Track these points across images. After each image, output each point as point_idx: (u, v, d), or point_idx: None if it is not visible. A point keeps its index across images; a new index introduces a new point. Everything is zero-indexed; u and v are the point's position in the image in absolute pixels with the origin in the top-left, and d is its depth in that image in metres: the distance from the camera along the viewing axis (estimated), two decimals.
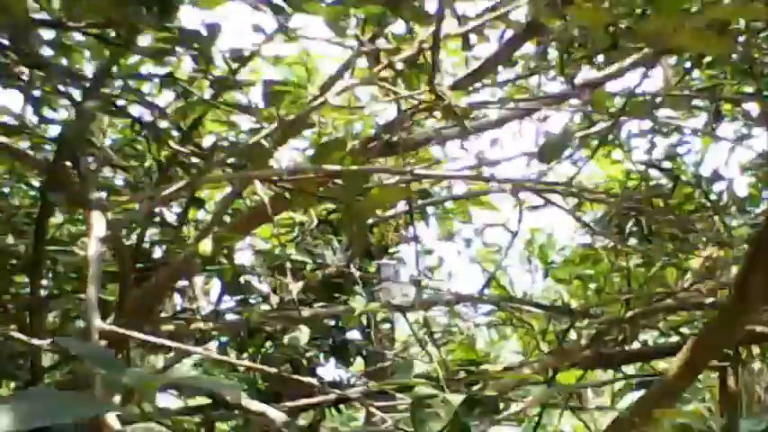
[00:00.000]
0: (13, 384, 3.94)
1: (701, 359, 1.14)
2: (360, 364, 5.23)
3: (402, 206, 4.67)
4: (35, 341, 1.86)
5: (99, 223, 1.63)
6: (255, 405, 2.89)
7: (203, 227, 2.90)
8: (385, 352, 4.70)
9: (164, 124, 2.88)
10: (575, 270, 4.74)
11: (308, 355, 5.08)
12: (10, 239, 3.48)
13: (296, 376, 1.97)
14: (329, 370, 5.72)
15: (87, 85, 2.32)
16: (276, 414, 2.78)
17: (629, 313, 3.15)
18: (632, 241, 5.09)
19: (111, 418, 1.33)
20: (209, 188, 3.97)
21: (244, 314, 3.51)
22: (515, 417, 2.19)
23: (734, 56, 3.35)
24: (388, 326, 4.83)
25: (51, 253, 3.11)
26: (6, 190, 3.60)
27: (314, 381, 2.03)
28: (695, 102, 4.90)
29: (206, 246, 2.25)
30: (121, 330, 1.51)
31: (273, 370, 1.91)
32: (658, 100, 3.23)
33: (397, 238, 4.89)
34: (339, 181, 2.30)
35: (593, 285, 4.55)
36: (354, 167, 1.96)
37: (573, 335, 4.03)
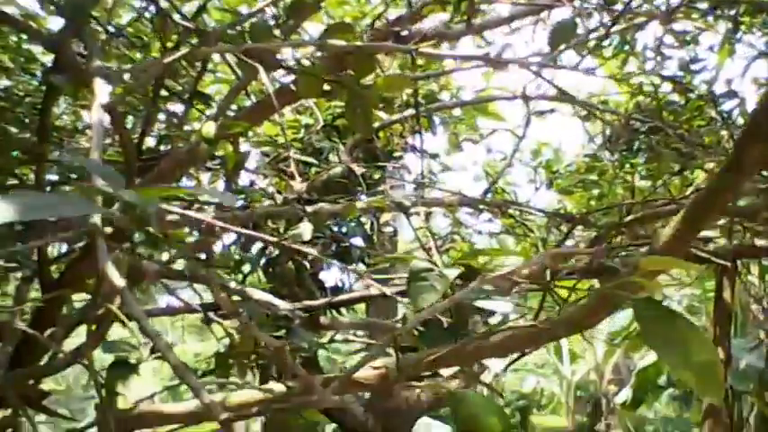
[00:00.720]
0: (19, 274, 4.01)
1: (692, 227, 1.15)
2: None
3: (409, 111, 4.66)
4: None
5: (102, 91, 1.62)
6: (259, 294, 2.96)
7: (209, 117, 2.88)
8: (387, 256, 4.74)
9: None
10: (579, 177, 4.74)
11: (311, 257, 5.14)
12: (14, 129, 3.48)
13: (302, 248, 1.98)
14: (332, 274, 5.81)
15: None
16: (280, 302, 2.85)
17: (629, 217, 3.16)
18: (639, 159, 5.08)
19: (113, 273, 1.34)
20: (213, 83, 3.95)
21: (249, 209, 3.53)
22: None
23: None
24: (390, 229, 4.87)
25: (56, 141, 3.11)
26: (8, 83, 3.58)
27: (314, 251, 2.04)
28: (713, 16, 4.80)
29: (209, 128, 2.24)
30: None
31: (274, 239, 1.92)
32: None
33: (403, 144, 4.88)
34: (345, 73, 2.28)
35: (595, 192, 4.55)
36: (359, 43, 1.94)
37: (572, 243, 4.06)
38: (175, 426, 1.60)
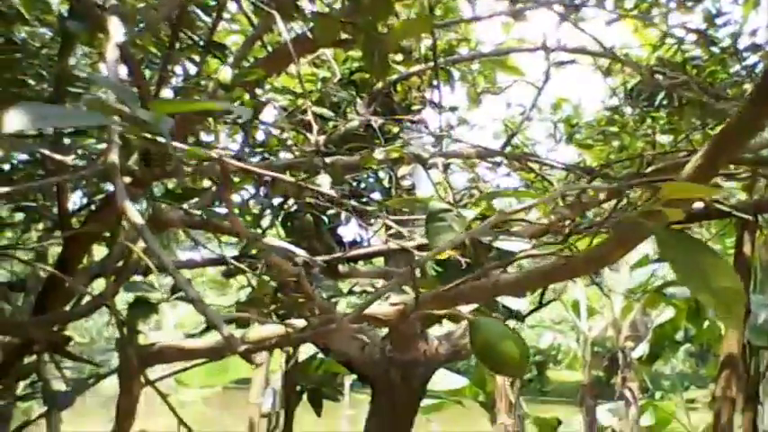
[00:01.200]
0: (41, 225, 4.06)
1: (716, 159, 1.13)
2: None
3: (427, 65, 4.61)
4: (58, 156, 1.89)
5: (117, 29, 1.61)
6: (278, 242, 2.97)
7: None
8: (405, 210, 4.73)
9: None
10: (599, 130, 4.69)
11: (329, 213, 5.15)
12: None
13: (320, 190, 1.97)
14: (350, 229, 5.81)
15: None
16: (299, 251, 2.86)
17: (650, 168, 3.11)
18: (660, 113, 5.01)
19: (132, 211, 1.34)
20: (230, 34, 3.93)
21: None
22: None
23: None
24: (408, 183, 4.85)
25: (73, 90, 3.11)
26: (23, 34, 3.57)
27: (333, 192, 2.03)
28: None
29: (226, 73, 2.23)
30: None
31: (292, 179, 1.91)
32: None
33: (421, 98, 4.84)
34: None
35: (616, 144, 4.50)
36: None
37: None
38: (198, 361, 1.62)
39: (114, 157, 1.45)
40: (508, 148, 4.14)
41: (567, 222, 3.08)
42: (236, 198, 4.29)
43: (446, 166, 3.94)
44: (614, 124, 4.98)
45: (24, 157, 3.58)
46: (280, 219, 4.84)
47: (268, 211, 4.72)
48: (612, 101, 5.45)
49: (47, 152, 1.87)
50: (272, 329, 1.42)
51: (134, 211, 1.36)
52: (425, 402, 5.60)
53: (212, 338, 1.56)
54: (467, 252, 1.71)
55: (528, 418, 10.17)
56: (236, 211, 4.18)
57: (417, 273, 1.82)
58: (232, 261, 2.32)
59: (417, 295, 1.26)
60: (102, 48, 3.04)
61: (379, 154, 3.19)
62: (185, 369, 1.67)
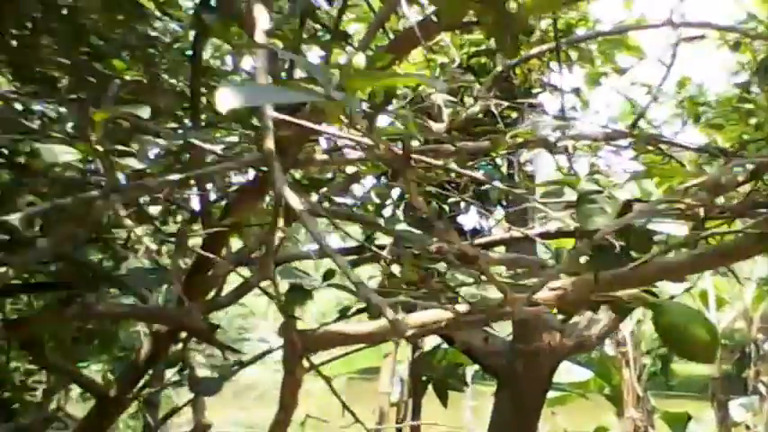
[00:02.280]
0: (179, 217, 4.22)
1: None
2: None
3: (546, 46, 4.50)
4: (208, 145, 1.96)
5: (262, 15, 1.62)
6: (408, 232, 2.98)
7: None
8: (527, 197, 4.66)
9: None
10: (731, 106, 4.44)
11: (449, 201, 5.13)
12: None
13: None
14: (471, 218, 5.78)
15: None
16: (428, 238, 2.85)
17: None
18: None
19: (291, 195, 1.35)
20: (351, 22, 3.97)
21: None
22: None
23: None
24: (529, 169, 4.79)
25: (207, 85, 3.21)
26: (158, 25, 3.71)
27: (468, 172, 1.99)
28: None
29: (359, 60, 2.25)
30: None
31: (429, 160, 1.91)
32: None
33: (540, 80, 4.75)
34: None
35: (752, 121, 4.24)
36: None
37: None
38: (358, 346, 1.65)
39: (270, 143, 1.48)
40: (634, 131, 3.99)
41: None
42: (357, 189, 4.34)
43: (573, 150, 3.84)
44: (746, 102, 4.74)
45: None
46: (401, 208, 4.87)
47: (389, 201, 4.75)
48: (739, 77, 5.19)
49: (197, 141, 1.93)
50: (435, 314, 1.42)
51: (294, 197, 1.37)
52: (549, 395, 5.52)
53: (371, 323, 1.57)
54: (616, 235, 1.66)
55: (656, 412, 9.85)
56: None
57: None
58: (375, 249, 2.34)
59: (596, 275, 1.23)
60: (234, 39, 3.12)
61: (508, 138, 3.14)
62: (344, 355, 1.70)
